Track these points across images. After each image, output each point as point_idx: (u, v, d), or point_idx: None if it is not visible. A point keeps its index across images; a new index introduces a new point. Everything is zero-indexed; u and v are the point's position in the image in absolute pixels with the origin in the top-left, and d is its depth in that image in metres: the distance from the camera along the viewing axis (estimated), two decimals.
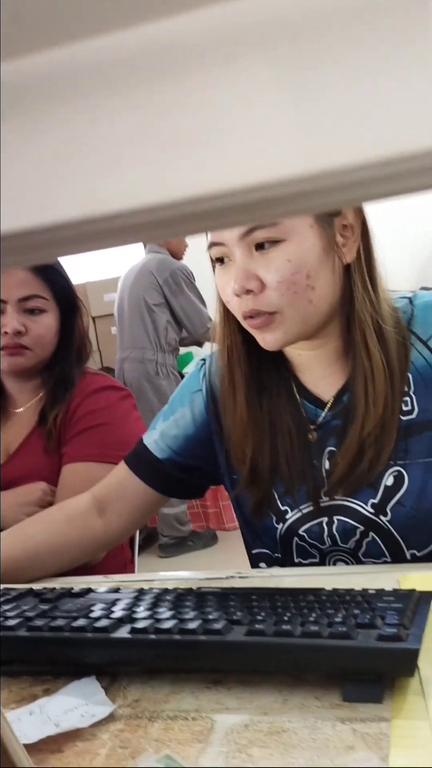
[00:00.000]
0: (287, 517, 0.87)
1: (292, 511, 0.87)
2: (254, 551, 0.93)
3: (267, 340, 0.80)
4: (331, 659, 0.52)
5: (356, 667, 0.51)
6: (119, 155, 0.17)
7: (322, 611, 0.57)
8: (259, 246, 0.77)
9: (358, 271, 0.81)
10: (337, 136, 0.16)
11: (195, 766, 0.46)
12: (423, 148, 0.15)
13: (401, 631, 0.52)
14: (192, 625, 0.56)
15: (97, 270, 4.01)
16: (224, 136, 0.17)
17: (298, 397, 0.88)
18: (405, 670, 0.50)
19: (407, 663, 0.50)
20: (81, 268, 3.90)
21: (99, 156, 0.18)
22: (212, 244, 0.80)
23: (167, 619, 0.59)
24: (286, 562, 0.89)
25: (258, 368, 0.88)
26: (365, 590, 0.63)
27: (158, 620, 0.59)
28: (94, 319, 3.88)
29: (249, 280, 0.77)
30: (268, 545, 0.90)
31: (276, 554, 0.89)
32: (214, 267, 0.83)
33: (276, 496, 0.88)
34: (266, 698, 0.53)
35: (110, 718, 0.54)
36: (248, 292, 0.78)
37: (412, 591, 0.62)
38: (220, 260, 0.81)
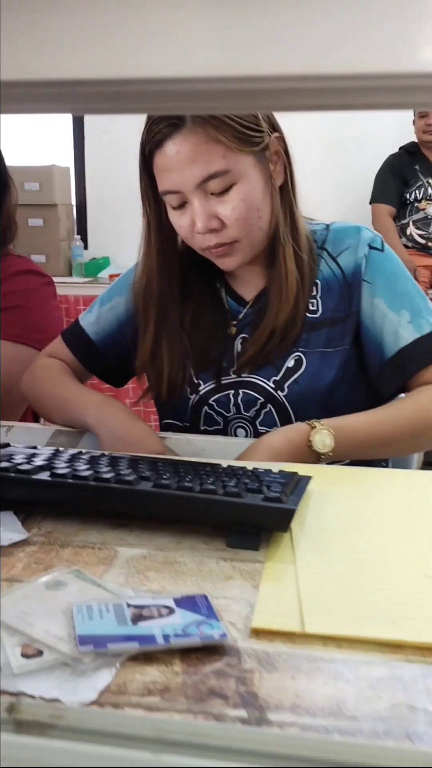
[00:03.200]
0: (200, 389, 1.01)
1: (204, 384, 1.01)
2: (165, 421, 1.06)
3: (227, 264, 0.96)
4: (222, 512, 0.62)
5: (242, 520, 0.61)
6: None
7: (218, 478, 0.67)
8: (215, 192, 0.90)
9: (286, 194, 0.96)
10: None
11: (101, 581, 0.55)
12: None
13: (282, 496, 0.62)
14: (107, 475, 0.65)
15: (21, 156, 3.85)
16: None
17: (224, 295, 1.03)
18: (281, 526, 0.61)
19: (284, 520, 0.61)
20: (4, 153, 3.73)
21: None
22: (168, 192, 0.92)
23: (84, 469, 0.66)
24: (193, 430, 1.01)
25: (187, 277, 1.01)
26: (256, 468, 0.73)
27: (76, 469, 0.66)
28: None
29: (211, 221, 0.91)
30: (179, 415, 1.03)
31: (185, 423, 1.02)
32: (168, 208, 0.95)
33: (191, 373, 1.01)
34: (163, 539, 0.63)
35: (25, 542, 0.61)
36: (211, 230, 0.91)
37: (295, 473, 0.73)
38: (180, 206, 0.92)
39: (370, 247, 0.99)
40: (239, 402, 0.99)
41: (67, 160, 3.87)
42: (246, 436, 1.00)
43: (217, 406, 1.01)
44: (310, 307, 0.99)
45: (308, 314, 0.98)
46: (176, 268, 1.01)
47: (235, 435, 1.00)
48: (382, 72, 0.25)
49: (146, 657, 0.45)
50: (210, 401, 1.01)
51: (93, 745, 0.33)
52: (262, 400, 0.98)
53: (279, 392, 0.98)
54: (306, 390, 0.97)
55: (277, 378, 0.98)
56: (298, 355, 0.97)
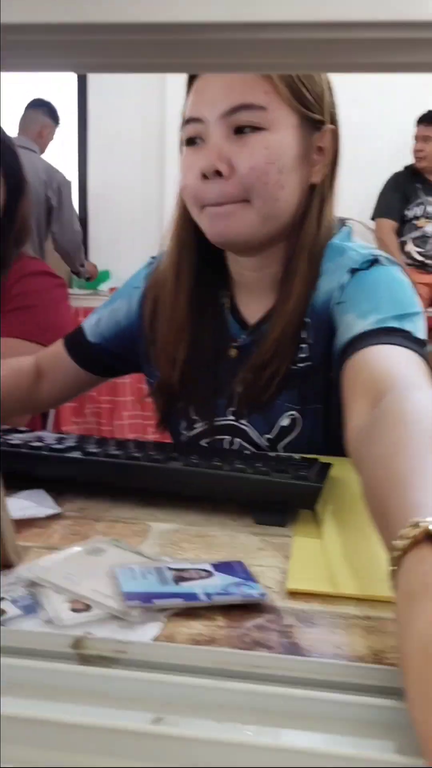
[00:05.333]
0: (195, 426, 0.93)
1: (201, 421, 0.93)
2: None
3: (223, 230, 0.82)
4: (252, 490, 0.64)
5: (270, 498, 0.64)
6: None
7: (246, 461, 0.69)
8: (239, 131, 0.79)
9: (319, 195, 0.85)
10: None
11: (138, 549, 0.57)
12: None
13: (310, 475, 0.64)
14: (137, 454, 0.67)
15: None
16: None
17: (228, 313, 0.93)
18: (308, 503, 0.63)
19: (311, 497, 0.63)
20: None
21: None
22: (189, 120, 0.82)
23: (115, 449, 0.69)
24: None
25: (202, 275, 0.92)
26: (278, 455, 0.75)
27: (107, 449, 0.68)
28: None
29: (221, 162, 0.79)
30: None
31: None
32: (182, 149, 0.85)
33: (191, 407, 0.94)
34: (192, 516, 0.65)
35: (60, 516, 0.63)
36: (216, 174, 0.79)
37: (316, 459, 0.75)
38: (191, 141, 0.82)
39: (353, 271, 0.83)
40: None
41: (71, 174, 3.92)
42: None
43: None
44: (301, 355, 0.86)
45: (299, 363, 0.86)
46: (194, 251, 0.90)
47: None
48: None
49: (189, 613, 0.47)
50: (201, 443, 0.92)
51: (160, 674, 0.34)
52: None
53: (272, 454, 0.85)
54: (301, 450, 0.85)
55: (270, 437, 0.88)
56: (294, 414, 0.87)
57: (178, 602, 0.47)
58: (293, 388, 0.87)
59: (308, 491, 0.63)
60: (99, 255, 3.97)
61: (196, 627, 0.46)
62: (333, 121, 0.86)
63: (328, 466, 0.74)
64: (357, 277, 0.83)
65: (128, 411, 3.35)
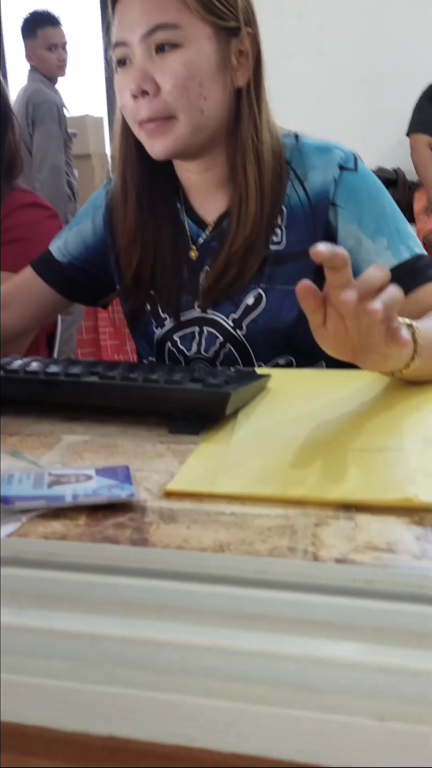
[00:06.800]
0: (165, 323, 0.98)
1: (170, 318, 0.97)
2: (139, 355, 1.06)
3: (156, 148, 0.87)
4: (161, 398, 0.63)
5: (180, 407, 0.63)
6: None
7: (166, 372, 0.68)
8: (159, 49, 0.83)
9: (247, 97, 0.88)
10: None
11: (36, 459, 0.57)
12: None
13: (222, 384, 0.63)
14: (54, 369, 0.67)
15: None
16: None
17: (184, 216, 0.97)
18: (217, 411, 0.62)
19: (219, 404, 0.62)
20: None
21: None
22: (115, 45, 0.86)
23: (35, 367, 0.69)
24: None
25: (150, 182, 0.95)
26: (214, 369, 0.74)
27: (27, 367, 0.69)
28: None
29: (146, 81, 0.84)
30: (145, 349, 1.02)
31: (151, 357, 1.01)
32: (114, 72, 0.89)
33: (158, 305, 0.98)
34: (109, 428, 0.65)
35: None
36: (144, 94, 0.84)
37: (252, 371, 0.73)
38: (121, 62, 0.87)
39: (342, 168, 0.89)
40: (202, 340, 0.95)
41: (101, 110, 3.87)
42: None
43: (180, 343, 0.97)
44: (274, 238, 0.91)
45: (271, 246, 0.91)
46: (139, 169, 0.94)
47: None
48: None
49: (55, 515, 0.47)
50: (174, 337, 0.97)
51: None
52: (222, 339, 0.94)
53: (238, 331, 0.93)
54: (266, 329, 0.91)
55: (236, 316, 0.93)
56: (258, 292, 0.91)
57: (41, 503, 0.47)
58: (261, 270, 0.91)
59: (216, 398, 0.61)
60: None
61: (55, 526, 0.46)
62: (249, 23, 0.88)
63: (263, 377, 0.73)
64: (348, 180, 0.89)
65: None
